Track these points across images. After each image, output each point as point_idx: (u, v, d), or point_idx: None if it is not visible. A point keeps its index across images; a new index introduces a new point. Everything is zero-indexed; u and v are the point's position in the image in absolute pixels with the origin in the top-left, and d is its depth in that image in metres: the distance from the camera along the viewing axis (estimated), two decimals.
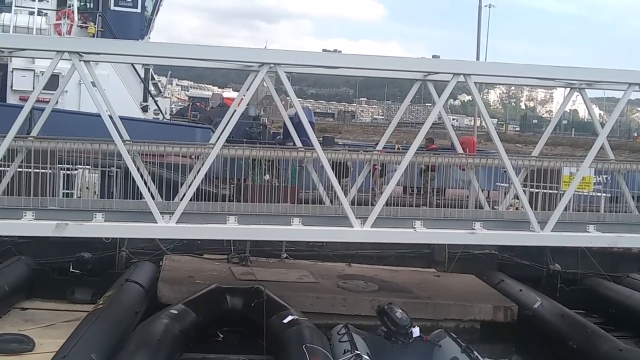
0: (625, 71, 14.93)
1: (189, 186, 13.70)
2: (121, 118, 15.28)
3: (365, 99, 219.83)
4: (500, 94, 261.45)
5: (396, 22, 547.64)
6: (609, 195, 18.50)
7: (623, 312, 17.73)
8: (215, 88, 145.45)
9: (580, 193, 16.29)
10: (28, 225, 12.93)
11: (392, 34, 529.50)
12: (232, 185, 16.49)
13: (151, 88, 30.83)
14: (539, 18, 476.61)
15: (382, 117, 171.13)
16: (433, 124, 15.26)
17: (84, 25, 27.51)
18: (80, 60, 13.32)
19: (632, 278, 19.65)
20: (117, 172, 15.42)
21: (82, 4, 28.61)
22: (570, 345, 14.80)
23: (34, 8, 26.85)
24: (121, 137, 13.75)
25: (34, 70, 25.23)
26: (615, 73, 15.20)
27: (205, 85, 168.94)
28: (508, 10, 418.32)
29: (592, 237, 15.08)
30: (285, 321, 13.80)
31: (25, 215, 12.85)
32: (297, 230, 13.94)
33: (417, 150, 14.56)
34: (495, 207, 16.95)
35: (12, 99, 25.84)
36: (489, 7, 67.16)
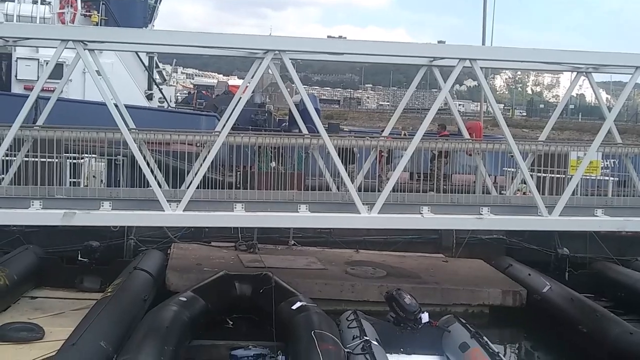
0: (632, 55, 14.80)
1: (196, 174, 13.69)
2: (126, 106, 15.27)
3: (370, 86, 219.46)
4: (506, 79, 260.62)
5: (403, 8, 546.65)
6: (617, 179, 18.43)
7: (632, 295, 17.68)
8: (220, 76, 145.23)
9: (588, 177, 16.24)
10: (36, 214, 12.93)
11: (399, 20, 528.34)
12: (238, 173, 16.48)
13: (156, 76, 30.80)
14: (546, 3, 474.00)
15: (388, 103, 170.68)
16: (440, 109, 15.19)
17: (88, 13, 27.51)
18: (84, 49, 13.30)
19: None
20: (123, 160, 15.43)
21: None
22: (579, 329, 14.77)
23: None
24: (127, 125, 13.72)
25: (38, 59, 25.25)
26: (622, 57, 15.08)
27: (211, 73, 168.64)
28: None
29: (600, 222, 15.02)
30: (294, 307, 13.81)
31: (32, 205, 12.86)
32: (304, 217, 13.92)
33: (424, 136, 14.52)
34: (502, 192, 16.91)
35: (17, 89, 25.87)
36: None
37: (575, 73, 16.66)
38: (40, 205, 12.91)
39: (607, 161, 18.46)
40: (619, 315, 15.26)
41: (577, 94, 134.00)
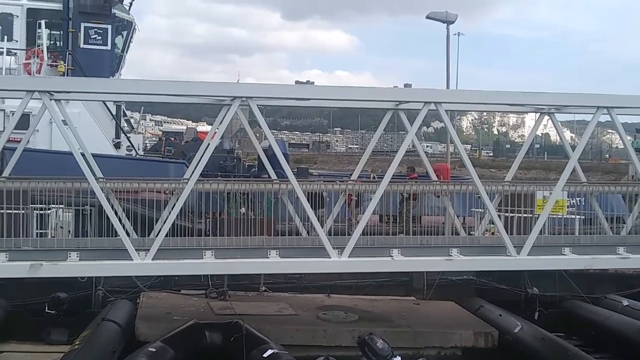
0: (592, 95, 15.18)
1: (164, 222, 13.60)
2: (94, 155, 15.19)
3: (339, 129, 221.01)
4: (472, 120, 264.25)
5: (369, 53, 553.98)
6: (583, 217, 18.66)
7: (602, 333, 17.81)
8: (189, 122, 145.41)
9: (555, 216, 16.40)
10: (2, 266, 12.72)
11: (365, 64, 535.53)
12: (207, 220, 16.40)
13: (123, 124, 30.70)
14: (509, 45, 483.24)
15: (357, 146, 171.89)
16: (407, 151, 15.34)
17: (54, 64, 27.41)
18: (50, 99, 13.27)
19: (609, 299, 19.76)
20: (91, 210, 15.28)
21: (51, 42, 28.55)
22: None
23: (2, 48, 26.72)
24: (94, 174, 13.64)
25: (4, 110, 25.06)
26: (583, 97, 15.45)
27: (179, 119, 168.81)
28: (478, 38, 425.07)
29: (569, 260, 15.16)
30: (265, 355, 13.69)
31: None
32: (274, 263, 13.87)
33: (393, 178, 14.61)
34: (471, 232, 17.01)
35: None
36: (458, 35, 68.25)
37: (538, 114, 16.95)
38: (6, 257, 12.71)
39: (572, 200, 18.67)
40: (590, 353, 15.38)
41: (542, 134, 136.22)
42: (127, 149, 29.15)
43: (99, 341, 14.49)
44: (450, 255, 14.34)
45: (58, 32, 29.40)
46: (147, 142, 51.13)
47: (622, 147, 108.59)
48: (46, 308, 16.87)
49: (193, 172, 14.05)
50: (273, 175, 16.49)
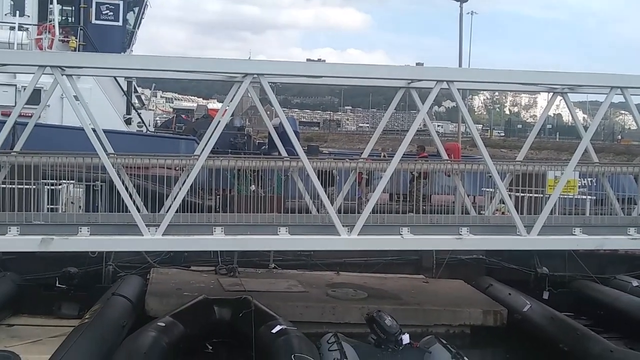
0: (606, 75, 15.02)
1: (175, 198, 13.63)
2: (105, 131, 15.21)
3: (350, 108, 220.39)
4: (484, 99, 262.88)
5: (382, 31, 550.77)
6: (594, 197, 18.58)
7: (611, 313, 17.79)
8: (200, 99, 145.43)
9: (566, 196, 16.34)
10: (13, 240, 12.81)
11: (378, 43, 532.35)
12: (217, 196, 16.43)
13: (134, 101, 30.72)
14: (523, 24, 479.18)
15: (368, 125, 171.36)
16: (418, 130, 15.28)
17: (66, 39, 27.41)
18: (62, 75, 13.26)
19: (619, 279, 19.74)
20: (101, 185, 15.33)
21: (63, 18, 28.57)
22: (561, 348, 14.83)
23: (14, 23, 26.70)
24: (105, 150, 13.66)
25: (16, 85, 25.08)
26: (596, 77, 15.29)
27: (190, 96, 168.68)
28: (492, 17, 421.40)
29: (579, 240, 15.12)
30: (273, 331, 13.74)
31: (9, 231, 12.73)
32: (284, 240, 13.89)
33: (403, 157, 14.58)
34: (481, 212, 16.98)
35: None
36: (471, 14, 67.73)
37: (551, 93, 16.83)
38: (18, 231, 12.78)
39: (584, 180, 18.59)
40: (599, 333, 15.33)
41: (554, 114, 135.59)
42: (137, 125, 29.20)
43: (109, 315, 14.58)
44: (460, 234, 14.32)
45: (70, 8, 29.44)
46: (157, 118, 51.20)
47: (634, 128, 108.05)
48: (57, 282, 17.00)
49: (203, 148, 14.05)
50: (283, 153, 16.48)
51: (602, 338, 14.71)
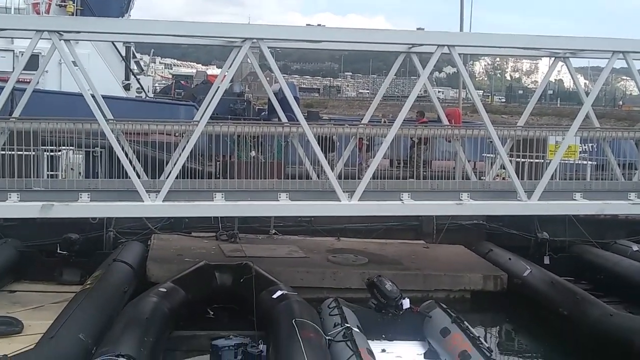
0: (608, 39, 14.85)
1: (175, 164, 13.59)
2: (104, 97, 15.11)
3: (350, 74, 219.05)
4: (485, 65, 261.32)
5: None
6: (595, 163, 18.55)
7: (611, 278, 17.87)
8: (199, 65, 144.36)
9: (567, 162, 16.30)
10: (13, 206, 12.78)
11: (379, 7, 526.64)
12: (217, 163, 16.39)
13: (133, 66, 30.52)
14: None
15: (368, 91, 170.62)
16: (419, 96, 15.18)
17: (63, 4, 27.10)
18: (60, 40, 13.13)
19: (619, 244, 19.82)
20: (101, 151, 15.28)
21: None
22: (560, 312, 14.92)
23: None
24: (104, 116, 13.58)
25: (13, 50, 24.90)
26: (598, 41, 15.14)
27: (189, 62, 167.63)
28: None
29: (579, 205, 15.11)
30: (274, 296, 13.81)
31: (10, 197, 12.70)
32: (284, 206, 13.87)
33: (404, 123, 14.51)
34: (482, 177, 16.96)
35: None
36: None
37: (552, 58, 16.70)
38: (18, 197, 12.75)
39: (585, 145, 18.54)
40: (599, 297, 15.41)
41: (555, 80, 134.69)
42: (136, 91, 29.04)
43: (111, 281, 14.65)
44: (461, 200, 14.31)
45: None
46: (156, 85, 50.98)
47: (636, 93, 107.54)
48: (58, 249, 17.04)
49: (203, 114, 13.98)
50: (283, 119, 16.40)
51: (602, 302, 14.78)
